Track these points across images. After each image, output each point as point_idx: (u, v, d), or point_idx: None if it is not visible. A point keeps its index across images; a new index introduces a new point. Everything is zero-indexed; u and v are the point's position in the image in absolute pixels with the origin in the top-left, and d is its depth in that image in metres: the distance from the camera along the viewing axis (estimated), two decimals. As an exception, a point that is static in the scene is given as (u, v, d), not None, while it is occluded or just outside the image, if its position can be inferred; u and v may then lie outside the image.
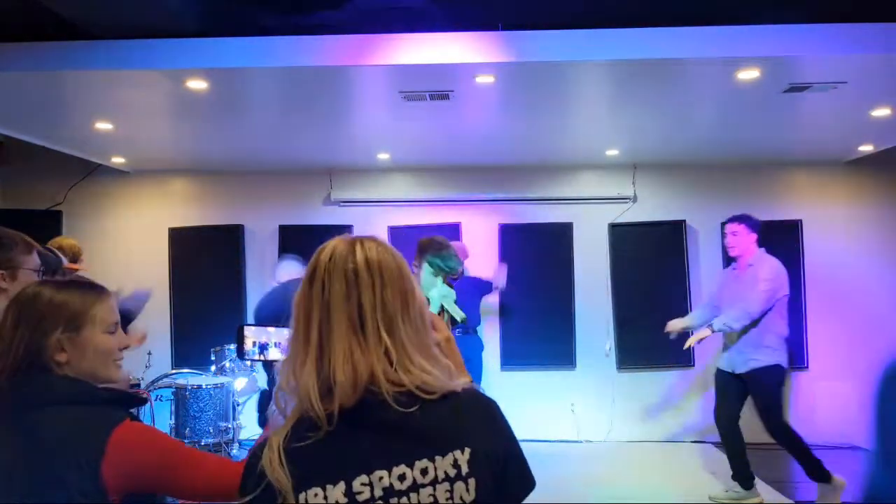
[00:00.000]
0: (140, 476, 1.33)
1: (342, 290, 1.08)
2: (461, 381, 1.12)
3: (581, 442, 6.08)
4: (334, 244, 1.14)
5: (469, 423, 1.07)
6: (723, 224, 4.62)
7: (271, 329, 1.59)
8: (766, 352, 4.31)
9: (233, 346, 5.25)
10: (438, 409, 1.06)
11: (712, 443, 5.98)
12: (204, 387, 4.71)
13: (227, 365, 5.11)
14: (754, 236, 4.46)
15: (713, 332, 4.35)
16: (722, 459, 4.65)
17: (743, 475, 4.43)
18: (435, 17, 3.73)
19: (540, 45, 3.53)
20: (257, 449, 1.08)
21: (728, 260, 4.90)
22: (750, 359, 4.32)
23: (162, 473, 1.36)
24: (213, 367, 5.16)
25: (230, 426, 4.81)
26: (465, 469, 1.03)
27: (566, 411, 6.13)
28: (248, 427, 5.54)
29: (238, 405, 5.15)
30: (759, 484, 4.74)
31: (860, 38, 3.47)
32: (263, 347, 1.59)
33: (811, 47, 3.50)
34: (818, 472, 4.27)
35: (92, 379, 1.42)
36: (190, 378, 4.85)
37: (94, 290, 1.50)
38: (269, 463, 1.03)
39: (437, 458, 1.03)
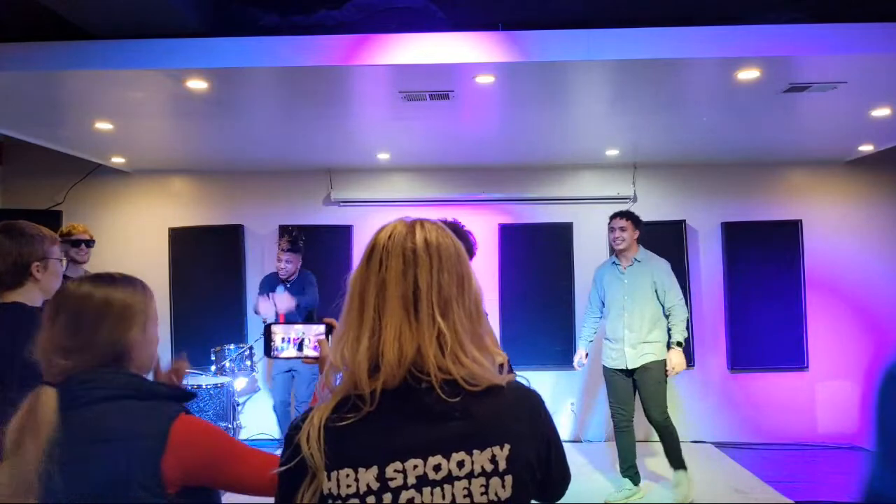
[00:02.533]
0: (198, 469, 1.34)
1: (399, 267, 1.07)
2: (506, 376, 1.10)
3: (581, 442, 6.08)
4: (394, 225, 1.13)
5: (511, 419, 1.06)
6: (610, 218, 4.72)
7: (298, 326, 1.59)
8: (650, 348, 4.51)
9: (232, 346, 5.26)
10: (481, 403, 1.04)
11: (712, 443, 5.99)
12: (204, 387, 4.71)
13: (227, 365, 5.11)
14: (638, 233, 4.63)
15: (681, 345, 4.49)
16: (721, 459, 4.66)
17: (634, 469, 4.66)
18: (435, 16, 3.73)
19: (540, 45, 3.53)
20: (298, 421, 1.07)
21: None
22: (644, 356, 4.49)
23: (218, 467, 1.37)
24: (213, 367, 5.16)
25: (230, 426, 4.81)
26: (502, 465, 1.01)
27: (566, 411, 6.13)
28: (248, 427, 5.55)
29: (238, 405, 5.15)
30: (760, 483, 4.75)
31: (860, 37, 3.47)
32: (292, 343, 1.58)
33: (811, 47, 3.50)
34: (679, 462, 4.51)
35: (146, 372, 1.47)
36: (190, 378, 4.85)
37: (141, 283, 1.53)
38: (305, 438, 1.02)
39: (475, 451, 1.01)
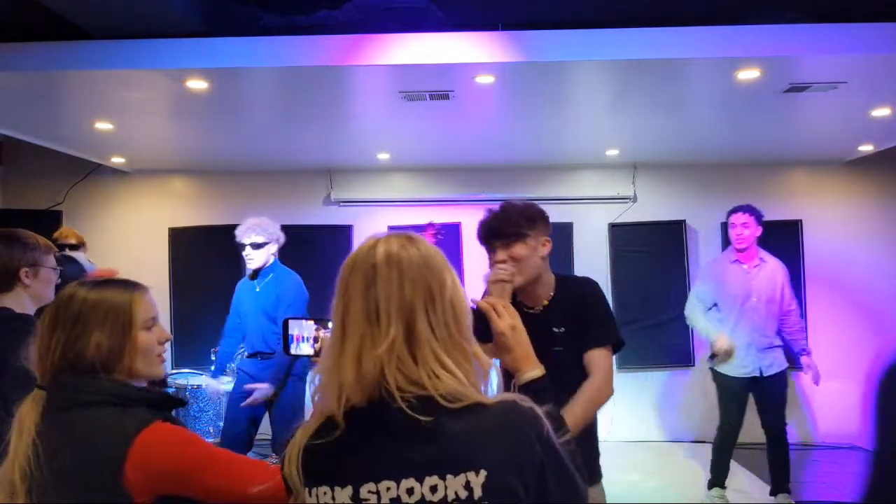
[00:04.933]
0: (166, 479, 1.32)
1: (360, 285, 1.05)
2: (499, 395, 1.05)
3: (581, 442, 6.07)
4: (364, 242, 1.12)
5: (491, 443, 0.99)
6: (729, 213, 4.43)
7: (310, 322, 1.54)
8: (780, 353, 4.31)
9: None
10: (458, 423, 0.99)
11: (709, 443, 5.97)
12: (204, 387, 4.71)
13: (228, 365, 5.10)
14: (759, 230, 4.31)
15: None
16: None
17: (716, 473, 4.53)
18: (435, 16, 3.72)
19: (540, 44, 3.52)
20: (290, 437, 1.08)
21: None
22: (775, 361, 4.26)
23: (190, 477, 1.33)
24: (213, 367, 5.15)
25: (230, 426, 4.80)
26: (477, 492, 0.97)
27: (566, 411, 6.13)
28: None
29: (238, 405, 5.13)
30: (760, 483, 4.74)
31: (860, 37, 3.46)
32: (299, 341, 1.54)
33: (811, 47, 3.50)
34: (785, 483, 4.32)
35: (134, 377, 1.42)
36: (190, 378, 4.84)
37: (131, 286, 1.49)
38: (287, 458, 1.04)
39: (449, 476, 0.97)
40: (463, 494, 0.97)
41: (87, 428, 1.31)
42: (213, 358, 5.23)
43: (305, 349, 1.53)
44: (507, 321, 1.31)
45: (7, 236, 2.13)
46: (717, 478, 4.49)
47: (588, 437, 2.21)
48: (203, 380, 4.83)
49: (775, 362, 4.26)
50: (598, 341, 2.08)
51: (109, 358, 1.39)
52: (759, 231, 4.30)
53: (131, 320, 1.42)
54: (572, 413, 1.90)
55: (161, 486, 1.31)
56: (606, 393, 2.04)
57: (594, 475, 2.29)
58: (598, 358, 2.05)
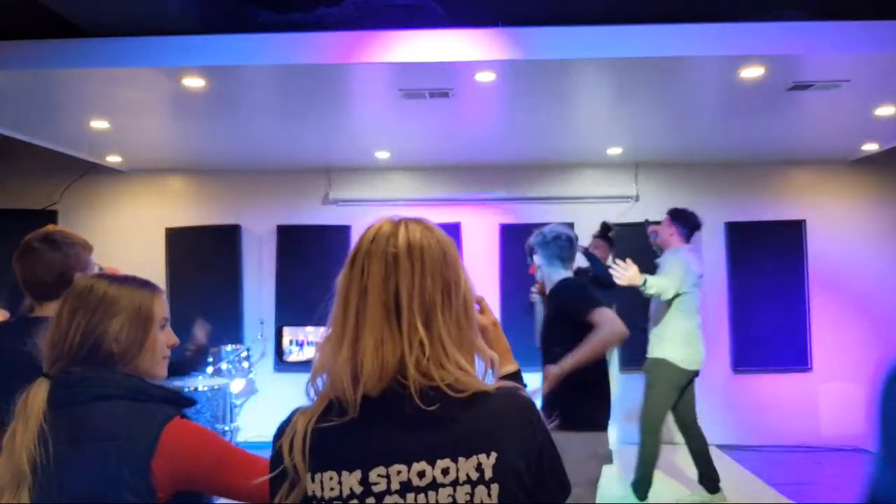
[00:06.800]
0: (189, 475, 1.32)
1: (380, 274, 1.04)
2: (497, 382, 1.08)
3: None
4: (379, 225, 1.11)
5: (498, 426, 1.03)
6: None
7: (309, 328, 1.56)
8: (655, 339, 4.45)
9: (230, 348, 5.22)
10: (467, 410, 1.02)
11: (712, 445, 5.94)
12: (200, 388, 4.67)
13: (224, 367, 5.07)
14: (674, 229, 4.56)
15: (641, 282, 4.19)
16: (724, 461, 4.64)
17: (709, 477, 4.49)
18: (435, 13, 3.70)
19: (541, 42, 3.49)
20: (283, 425, 1.06)
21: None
22: (649, 346, 4.48)
23: (211, 473, 1.34)
24: (209, 369, 5.12)
25: (227, 428, 4.77)
26: (488, 474, 0.99)
27: (567, 412, 6.10)
28: (246, 429, 5.51)
29: (235, 407, 5.11)
30: (760, 484, 4.71)
31: (864, 35, 3.44)
32: (300, 346, 1.55)
33: (815, 45, 3.48)
34: (710, 481, 4.39)
35: (140, 374, 1.42)
36: (187, 380, 4.80)
37: (149, 285, 1.49)
38: (288, 443, 1.02)
39: (461, 459, 1.00)
40: (474, 476, 0.99)
41: (107, 422, 1.30)
42: (209, 359, 5.21)
43: (306, 353, 1.53)
44: (490, 318, 1.36)
45: (54, 241, 2.03)
46: (701, 478, 4.51)
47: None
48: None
49: (650, 348, 4.46)
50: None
51: (127, 350, 1.39)
52: (670, 230, 4.59)
53: (152, 316, 1.43)
54: None
55: (184, 483, 1.32)
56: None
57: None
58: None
